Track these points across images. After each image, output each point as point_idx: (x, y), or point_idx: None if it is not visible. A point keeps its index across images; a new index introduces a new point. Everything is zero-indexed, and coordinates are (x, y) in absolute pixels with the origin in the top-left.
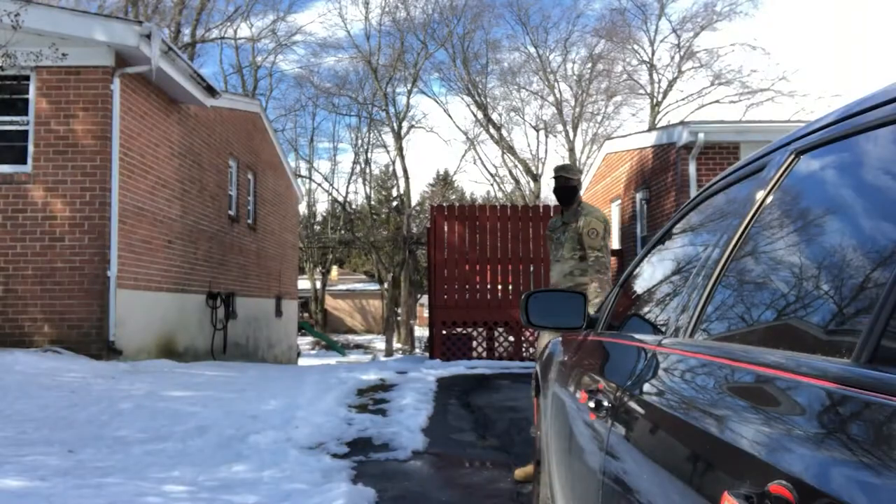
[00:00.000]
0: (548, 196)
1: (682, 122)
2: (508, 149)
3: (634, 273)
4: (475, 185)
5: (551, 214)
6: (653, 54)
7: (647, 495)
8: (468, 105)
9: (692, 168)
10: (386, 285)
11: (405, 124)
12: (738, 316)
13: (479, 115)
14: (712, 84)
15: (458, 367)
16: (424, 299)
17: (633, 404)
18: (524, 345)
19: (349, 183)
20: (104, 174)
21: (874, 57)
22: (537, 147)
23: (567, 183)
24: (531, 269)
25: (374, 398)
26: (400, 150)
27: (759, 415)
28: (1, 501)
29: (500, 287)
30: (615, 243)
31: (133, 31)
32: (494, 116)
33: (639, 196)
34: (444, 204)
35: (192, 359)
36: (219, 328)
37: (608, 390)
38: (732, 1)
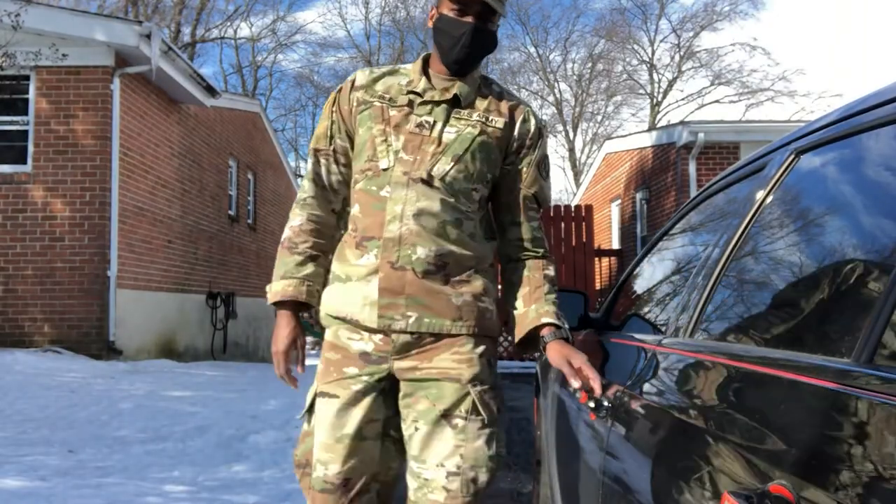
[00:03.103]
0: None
1: (682, 122)
2: None
3: (635, 273)
4: None
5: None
6: (653, 54)
7: (647, 495)
8: None
9: (692, 168)
10: None
11: None
12: (738, 316)
13: None
14: (712, 84)
15: None
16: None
17: (633, 404)
18: None
19: None
20: (104, 174)
21: (874, 57)
22: None
23: (494, 21)
24: None
25: None
26: None
27: (759, 415)
28: (1, 501)
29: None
30: (615, 243)
31: (133, 31)
32: None
33: (639, 196)
34: None
35: (192, 359)
36: (219, 328)
37: (608, 390)
38: (733, 1)
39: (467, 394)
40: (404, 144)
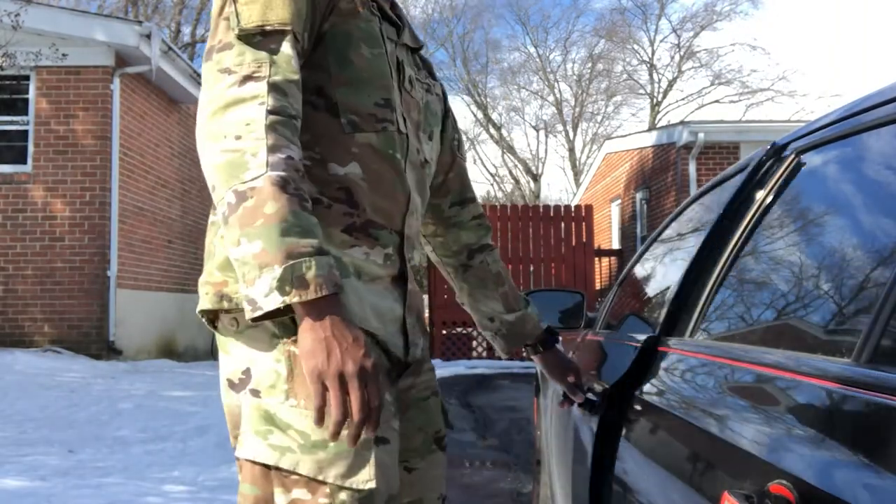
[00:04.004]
0: (547, 196)
1: (682, 122)
2: (508, 149)
3: (633, 272)
4: (475, 184)
5: (539, 210)
6: (653, 54)
7: (646, 495)
8: (468, 105)
9: (692, 168)
10: None
11: None
12: (738, 316)
13: (479, 115)
14: (712, 84)
15: (458, 367)
16: (424, 299)
17: (632, 404)
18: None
19: None
20: (104, 174)
21: (874, 57)
22: (537, 147)
23: None
24: (531, 269)
25: None
26: None
27: (759, 415)
28: (1, 501)
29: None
30: (615, 243)
31: (133, 31)
32: (494, 116)
33: (639, 196)
34: None
35: (192, 359)
36: None
37: (608, 390)
38: (733, 1)
39: (441, 404)
40: (405, 104)
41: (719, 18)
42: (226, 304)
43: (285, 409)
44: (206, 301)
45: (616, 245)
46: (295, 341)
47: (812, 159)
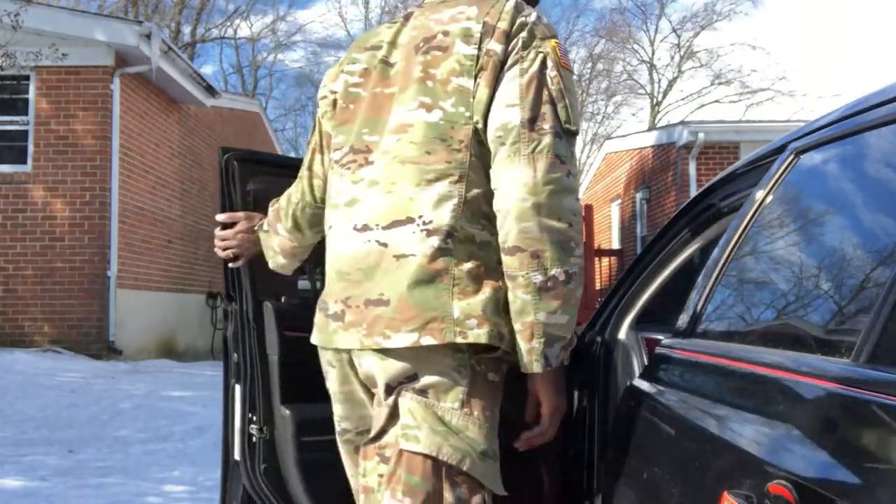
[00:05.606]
0: None
1: (682, 122)
2: None
3: (633, 273)
4: None
5: None
6: (653, 54)
7: (647, 494)
8: None
9: (692, 168)
10: None
11: None
12: (738, 316)
13: None
14: (712, 84)
15: None
16: None
17: (633, 404)
18: None
19: None
20: (104, 174)
21: (874, 57)
22: None
23: None
24: None
25: None
26: None
27: (759, 415)
28: (1, 501)
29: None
30: (615, 243)
31: (133, 31)
32: None
33: (639, 196)
34: None
35: (192, 359)
36: (219, 328)
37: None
38: (733, 1)
39: None
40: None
41: (719, 18)
42: (496, 343)
43: (459, 416)
44: (485, 335)
45: (616, 245)
46: (480, 360)
47: (811, 159)
